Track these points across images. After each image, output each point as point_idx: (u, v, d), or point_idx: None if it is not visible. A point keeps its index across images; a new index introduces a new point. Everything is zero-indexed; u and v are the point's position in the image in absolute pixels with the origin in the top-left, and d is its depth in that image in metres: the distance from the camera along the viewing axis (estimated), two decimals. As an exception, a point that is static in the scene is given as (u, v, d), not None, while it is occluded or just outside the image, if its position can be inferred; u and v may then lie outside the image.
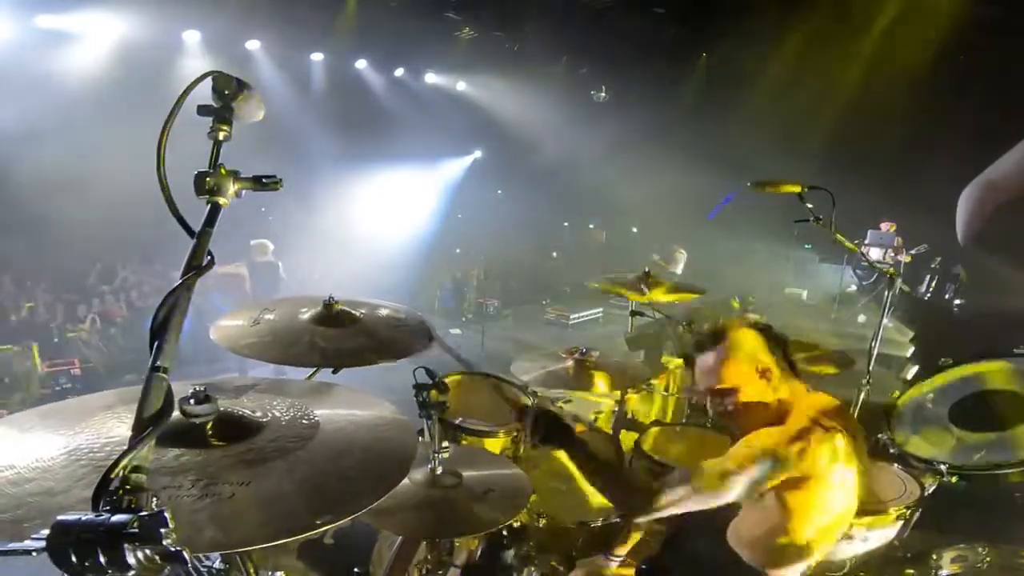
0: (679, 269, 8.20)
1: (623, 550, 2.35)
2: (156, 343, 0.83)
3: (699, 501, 1.59)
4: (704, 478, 1.58)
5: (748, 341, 1.78)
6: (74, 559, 0.61)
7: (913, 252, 8.45)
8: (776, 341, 1.81)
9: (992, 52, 9.01)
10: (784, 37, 9.35)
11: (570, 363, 2.88)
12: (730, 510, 1.89)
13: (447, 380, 1.98)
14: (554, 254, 13.29)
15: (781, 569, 1.72)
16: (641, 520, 1.70)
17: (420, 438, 2.05)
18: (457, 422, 2.72)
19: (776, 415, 1.72)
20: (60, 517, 0.63)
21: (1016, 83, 8.07)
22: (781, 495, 1.62)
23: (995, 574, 2.10)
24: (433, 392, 1.80)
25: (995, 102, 8.69)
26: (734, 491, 1.58)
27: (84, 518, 0.63)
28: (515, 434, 2.69)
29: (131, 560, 0.62)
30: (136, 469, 0.73)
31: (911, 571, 2.31)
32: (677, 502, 1.59)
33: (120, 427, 1.07)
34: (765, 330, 1.83)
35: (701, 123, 11.00)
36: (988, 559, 2.11)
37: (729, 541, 1.83)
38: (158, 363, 0.82)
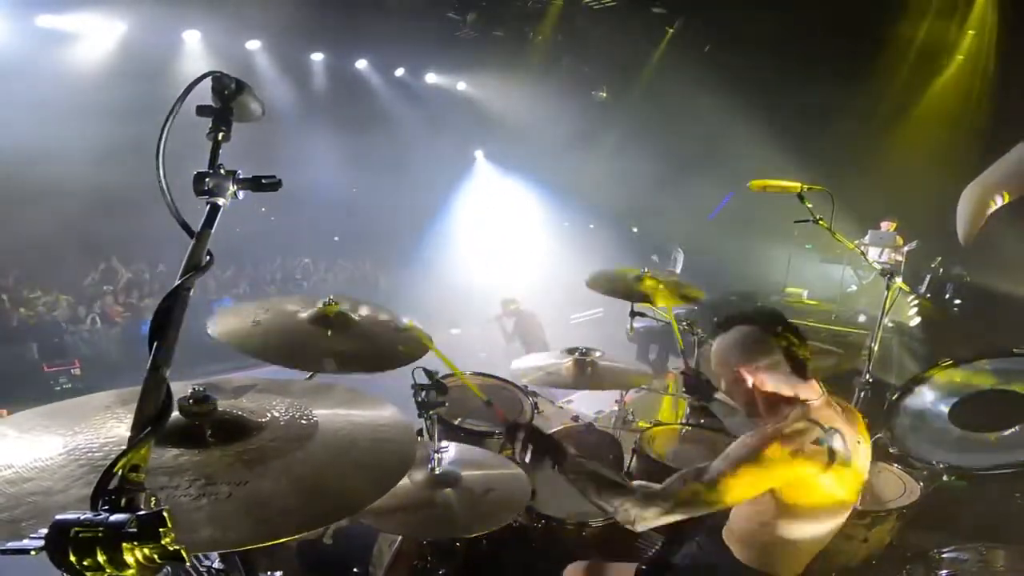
0: (678, 268, 8.20)
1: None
2: (155, 343, 0.83)
3: (689, 512, 1.59)
4: (695, 489, 1.57)
5: (736, 339, 1.75)
6: (73, 558, 0.61)
7: (906, 249, 8.45)
8: (786, 343, 1.71)
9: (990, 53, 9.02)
10: (785, 37, 9.34)
11: (569, 363, 2.89)
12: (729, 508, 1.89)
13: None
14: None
15: (773, 568, 1.70)
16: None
17: (419, 438, 2.05)
18: (456, 423, 2.72)
19: (768, 408, 1.71)
20: (59, 516, 0.63)
21: (1016, 85, 8.08)
22: (775, 492, 1.61)
23: (995, 575, 2.10)
24: (432, 392, 1.80)
25: (996, 102, 8.70)
26: (728, 496, 1.56)
27: (83, 517, 0.63)
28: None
29: (129, 559, 0.62)
30: (135, 469, 0.73)
31: (911, 571, 2.30)
32: (660, 518, 1.58)
33: (119, 427, 1.07)
34: (768, 326, 1.74)
35: (701, 122, 10.99)
36: (988, 560, 2.11)
37: (724, 537, 1.81)
38: (157, 363, 0.82)
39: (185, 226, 0.93)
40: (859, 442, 1.67)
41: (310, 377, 1.83)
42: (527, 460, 1.76)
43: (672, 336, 2.96)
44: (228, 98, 1.01)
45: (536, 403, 3.06)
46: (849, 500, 1.68)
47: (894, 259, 8.33)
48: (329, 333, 1.84)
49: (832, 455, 1.58)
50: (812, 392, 1.71)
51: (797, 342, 1.74)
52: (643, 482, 1.68)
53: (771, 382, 1.70)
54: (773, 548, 1.68)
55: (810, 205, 2.67)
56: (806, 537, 1.67)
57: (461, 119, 12.31)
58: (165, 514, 0.64)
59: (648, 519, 1.59)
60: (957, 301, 7.17)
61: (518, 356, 3.24)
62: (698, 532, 1.95)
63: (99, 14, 7.79)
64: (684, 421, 3.06)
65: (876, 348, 2.73)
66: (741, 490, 1.57)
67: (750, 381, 1.71)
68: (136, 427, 0.77)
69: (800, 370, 1.71)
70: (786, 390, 1.70)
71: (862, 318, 7.92)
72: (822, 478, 1.58)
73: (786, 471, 1.56)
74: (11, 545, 0.64)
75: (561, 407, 3.52)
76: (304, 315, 1.88)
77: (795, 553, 1.70)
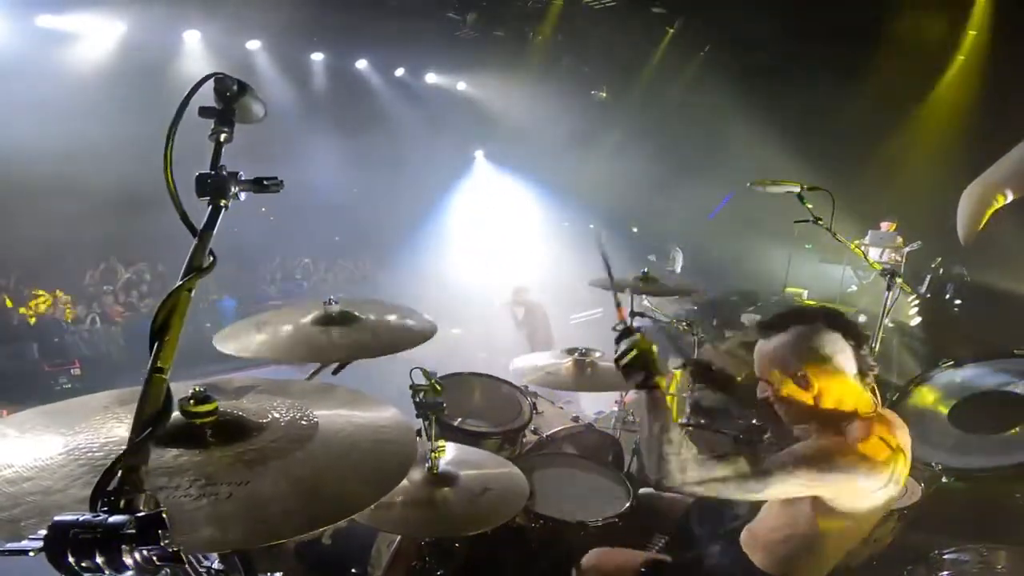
0: (677, 268, 8.21)
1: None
2: (156, 344, 0.83)
3: (736, 490, 1.50)
4: (742, 471, 1.49)
5: (801, 337, 1.60)
6: (71, 560, 0.61)
7: (907, 249, 8.45)
8: (856, 340, 1.61)
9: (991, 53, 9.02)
10: (785, 37, 9.33)
11: (569, 363, 2.88)
12: (738, 511, 1.87)
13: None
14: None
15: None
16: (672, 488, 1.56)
17: (418, 438, 2.05)
18: (456, 423, 2.72)
19: (827, 420, 1.60)
20: (57, 517, 0.63)
21: (1017, 83, 8.08)
22: (820, 506, 1.54)
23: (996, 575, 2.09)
24: (430, 392, 1.80)
25: (996, 102, 8.70)
26: (773, 490, 1.50)
27: (81, 518, 0.63)
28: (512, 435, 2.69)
29: (128, 561, 0.62)
30: (134, 470, 0.73)
31: (912, 572, 2.30)
32: (712, 484, 1.50)
33: (119, 427, 1.07)
34: (836, 324, 1.61)
35: (701, 122, 10.99)
36: (989, 561, 2.11)
37: (742, 543, 1.77)
38: (158, 364, 0.82)
39: (193, 229, 0.94)
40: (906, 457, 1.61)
41: (310, 378, 1.83)
42: (621, 365, 1.75)
43: (672, 336, 2.96)
44: (230, 99, 1.02)
45: (535, 403, 3.06)
46: (884, 510, 1.65)
47: (894, 259, 8.33)
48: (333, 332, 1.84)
49: (891, 476, 1.53)
50: (868, 402, 1.62)
51: (864, 343, 1.64)
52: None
53: (836, 387, 1.59)
54: (799, 558, 1.64)
55: (810, 205, 2.67)
56: (834, 550, 1.64)
57: (461, 119, 12.30)
58: (164, 516, 0.64)
59: (688, 480, 1.51)
60: (958, 301, 7.16)
61: (521, 352, 3.24)
62: (708, 535, 1.93)
63: (99, 14, 7.77)
64: (684, 421, 3.05)
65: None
66: (790, 488, 1.50)
67: (816, 386, 1.59)
68: (136, 428, 0.77)
69: (865, 374, 1.62)
70: (848, 399, 1.60)
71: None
72: (873, 496, 1.54)
73: (847, 484, 1.50)
74: (10, 546, 0.64)
75: (561, 407, 3.52)
76: (307, 318, 1.88)
77: (820, 562, 1.66)
